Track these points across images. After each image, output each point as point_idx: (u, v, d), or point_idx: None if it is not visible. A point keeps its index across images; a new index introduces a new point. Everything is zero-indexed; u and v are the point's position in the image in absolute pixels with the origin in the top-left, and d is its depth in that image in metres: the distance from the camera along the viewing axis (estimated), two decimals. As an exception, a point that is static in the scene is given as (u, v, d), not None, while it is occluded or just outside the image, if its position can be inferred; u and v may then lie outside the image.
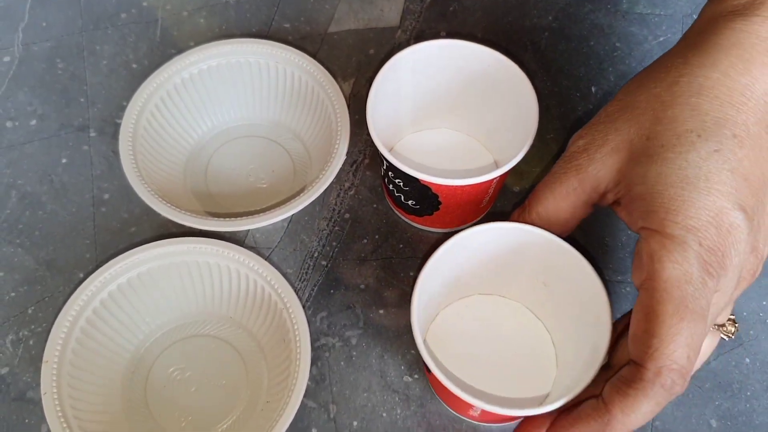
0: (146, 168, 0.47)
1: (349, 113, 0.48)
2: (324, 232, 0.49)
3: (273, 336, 0.44)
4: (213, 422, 0.43)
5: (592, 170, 0.36)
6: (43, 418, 0.42)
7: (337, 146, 0.47)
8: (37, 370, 0.43)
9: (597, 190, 0.37)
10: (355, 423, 0.42)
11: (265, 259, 0.45)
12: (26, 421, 0.42)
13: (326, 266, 0.47)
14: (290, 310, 0.43)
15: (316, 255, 0.48)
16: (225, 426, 0.42)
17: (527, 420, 0.37)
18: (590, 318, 0.38)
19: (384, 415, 0.43)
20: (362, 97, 0.53)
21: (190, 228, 0.45)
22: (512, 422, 0.42)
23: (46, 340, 0.44)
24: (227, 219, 0.45)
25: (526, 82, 0.44)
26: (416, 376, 0.44)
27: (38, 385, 0.43)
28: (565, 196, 0.38)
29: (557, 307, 0.42)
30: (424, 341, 0.37)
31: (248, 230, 0.48)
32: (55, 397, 0.40)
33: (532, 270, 0.42)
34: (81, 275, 0.46)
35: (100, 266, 0.44)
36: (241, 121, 0.53)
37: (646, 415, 0.32)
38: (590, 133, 0.37)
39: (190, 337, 0.45)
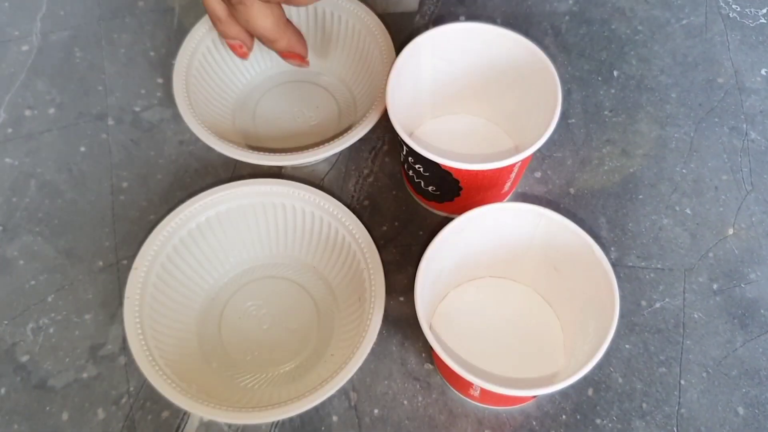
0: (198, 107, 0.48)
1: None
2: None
3: (350, 292, 0.44)
4: (277, 362, 0.43)
5: None
6: (64, 406, 0.42)
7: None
8: (58, 359, 0.43)
9: None
10: (375, 411, 0.42)
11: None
12: (47, 409, 0.42)
13: (367, 205, 0.47)
14: (371, 271, 0.42)
15: (357, 191, 0.47)
16: (287, 368, 0.43)
17: None
18: (597, 305, 0.38)
19: (405, 402, 0.42)
20: (381, 83, 0.53)
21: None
22: (522, 404, 0.42)
23: (65, 329, 0.44)
24: (271, 154, 0.46)
25: (548, 66, 0.43)
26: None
27: (58, 373, 0.43)
28: None
29: (567, 292, 0.42)
30: (432, 323, 0.37)
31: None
32: (136, 305, 0.41)
33: (544, 253, 0.41)
34: (101, 263, 0.46)
35: (120, 254, 0.44)
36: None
37: None
38: None
39: (271, 277, 0.46)
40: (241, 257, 0.46)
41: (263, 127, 0.51)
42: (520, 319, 0.44)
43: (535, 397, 0.42)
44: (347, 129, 0.47)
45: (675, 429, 0.42)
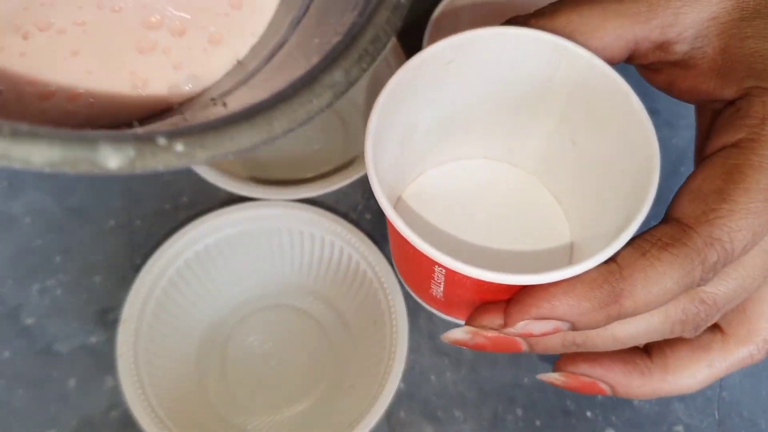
0: None
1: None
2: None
3: (363, 315, 0.40)
4: (290, 401, 0.40)
5: (675, 3, 0.27)
6: (70, 372, 0.40)
7: None
8: (65, 322, 0.41)
9: (665, 32, 0.27)
10: (402, 386, 0.40)
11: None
12: (52, 374, 0.40)
13: (370, 219, 0.44)
14: (386, 290, 0.39)
15: (360, 209, 0.45)
16: (303, 407, 0.39)
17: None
18: (628, 182, 0.28)
19: (433, 378, 0.40)
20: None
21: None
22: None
23: (72, 292, 0.42)
24: (278, 187, 0.42)
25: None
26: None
27: (65, 337, 0.41)
28: (618, 20, 0.27)
29: (585, 174, 0.31)
30: (399, 199, 0.29)
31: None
32: (131, 362, 0.37)
33: (561, 115, 0.30)
34: (112, 223, 0.44)
35: (134, 213, 0.41)
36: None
37: (666, 295, 0.24)
38: None
39: (269, 308, 0.42)
40: (232, 291, 0.42)
41: (264, 151, 0.46)
42: (517, 208, 0.34)
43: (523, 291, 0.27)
44: (353, 149, 0.44)
45: (715, 413, 0.40)
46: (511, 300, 0.26)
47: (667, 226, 0.25)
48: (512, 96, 0.30)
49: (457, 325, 0.30)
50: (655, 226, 0.25)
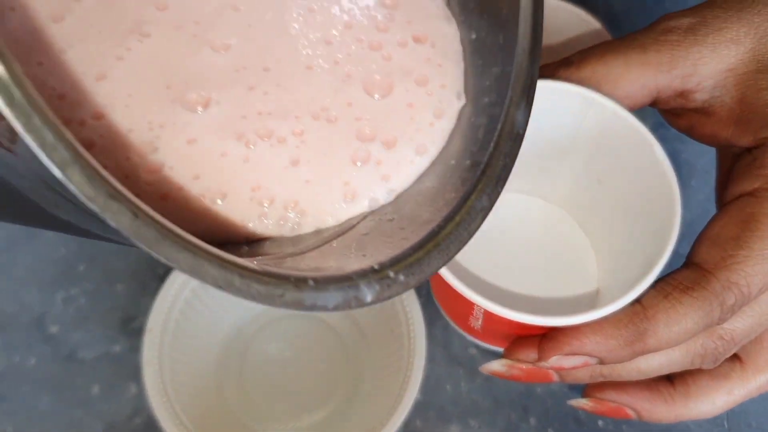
0: None
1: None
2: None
3: (380, 325, 0.41)
4: (309, 408, 0.41)
5: (695, 54, 0.28)
6: (94, 379, 0.41)
7: None
8: (88, 330, 0.42)
9: (686, 82, 0.29)
10: (418, 395, 0.40)
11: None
12: (77, 381, 0.41)
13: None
14: (403, 300, 0.39)
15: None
16: (321, 415, 0.40)
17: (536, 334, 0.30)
18: (650, 218, 0.30)
19: (448, 387, 0.41)
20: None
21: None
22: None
23: (96, 300, 0.43)
24: None
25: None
26: (483, 348, 0.42)
27: (89, 345, 0.42)
28: (641, 70, 0.29)
29: (611, 212, 0.34)
30: None
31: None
32: (156, 369, 0.38)
33: (588, 157, 0.32)
34: (133, 233, 0.45)
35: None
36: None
37: (687, 334, 0.26)
38: (699, 14, 0.29)
39: (286, 317, 0.43)
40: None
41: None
42: (548, 243, 0.36)
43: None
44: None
45: (725, 423, 0.40)
46: (544, 336, 0.29)
47: (688, 270, 0.27)
48: (542, 141, 0.32)
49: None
50: (677, 270, 0.27)
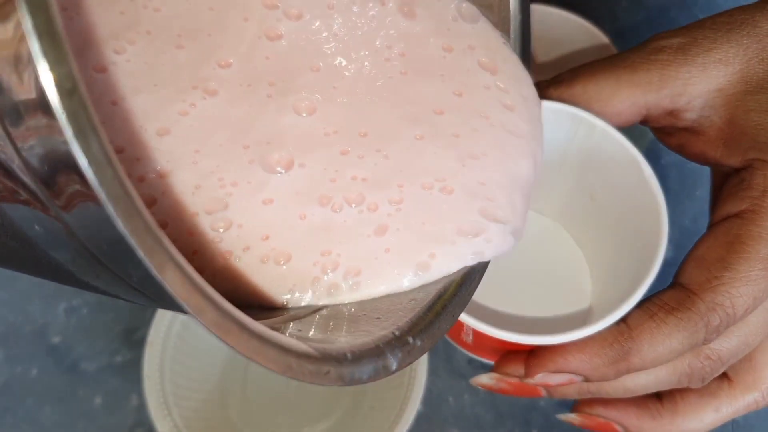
0: None
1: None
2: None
3: None
4: (312, 420, 0.40)
5: (684, 74, 0.28)
6: (96, 390, 0.41)
7: None
8: (91, 341, 0.42)
9: (675, 101, 0.29)
10: (421, 407, 0.40)
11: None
12: (79, 392, 0.41)
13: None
14: None
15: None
16: (323, 427, 0.40)
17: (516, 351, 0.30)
18: (638, 237, 0.30)
19: (451, 399, 0.41)
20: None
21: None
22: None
23: (98, 311, 0.43)
24: None
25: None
26: (485, 361, 0.42)
27: (91, 356, 0.42)
28: (631, 89, 0.29)
29: (603, 228, 0.34)
30: None
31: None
32: (157, 380, 0.38)
33: (579, 174, 0.33)
34: (136, 244, 0.45)
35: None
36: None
37: (671, 354, 0.26)
38: (689, 34, 0.29)
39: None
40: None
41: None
42: (542, 257, 0.36)
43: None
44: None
45: (730, 437, 0.40)
46: (530, 353, 0.29)
47: (674, 290, 0.27)
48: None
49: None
50: (663, 291, 0.27)
